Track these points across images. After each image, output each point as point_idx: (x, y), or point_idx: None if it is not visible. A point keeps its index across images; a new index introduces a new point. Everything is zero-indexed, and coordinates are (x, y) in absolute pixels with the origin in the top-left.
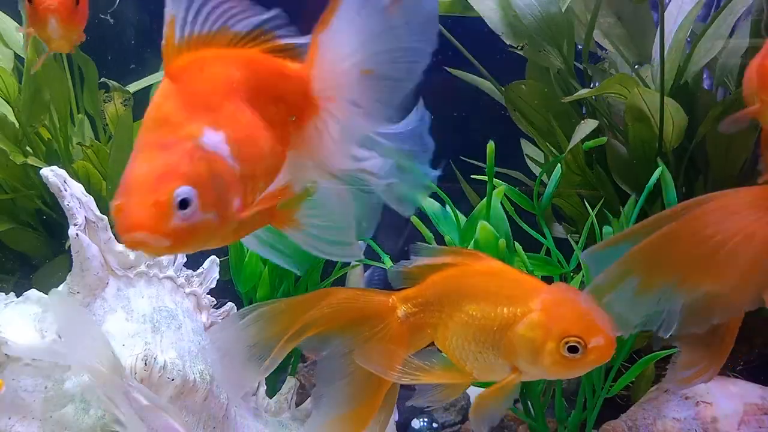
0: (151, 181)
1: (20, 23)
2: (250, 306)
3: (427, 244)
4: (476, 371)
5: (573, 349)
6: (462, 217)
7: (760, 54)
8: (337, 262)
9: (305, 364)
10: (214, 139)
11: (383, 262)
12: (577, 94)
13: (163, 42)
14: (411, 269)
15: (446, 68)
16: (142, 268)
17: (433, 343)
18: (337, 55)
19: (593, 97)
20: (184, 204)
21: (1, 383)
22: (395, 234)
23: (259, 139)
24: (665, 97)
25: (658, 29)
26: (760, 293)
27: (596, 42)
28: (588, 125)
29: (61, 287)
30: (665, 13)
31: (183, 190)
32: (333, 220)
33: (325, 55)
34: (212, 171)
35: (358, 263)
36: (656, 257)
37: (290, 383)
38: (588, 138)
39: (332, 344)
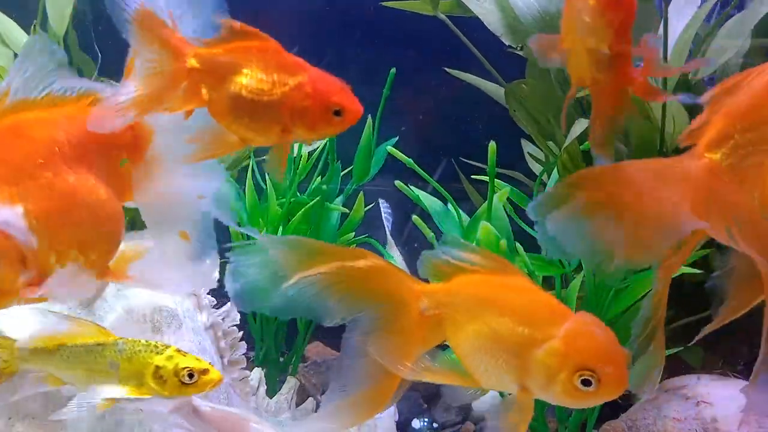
0: None
1: (19, 22)
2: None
3: (457, 237)
4: (483, 381)
5: (586, 383)
6: (465, 216)
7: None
8: None
9: (305, 365)
10: (5, 214)
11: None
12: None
13: None
14: (442, 263)
15: (445, 69)
16: None
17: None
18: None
19: None
20: None
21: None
22: (395, 234)
23: (76, 203)
24: None
25: (661, 28)
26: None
27: None
28: (581, 124)
29: None
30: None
31: None
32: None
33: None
34: None
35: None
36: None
37: (290, 383)
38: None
39: (352, 319)
